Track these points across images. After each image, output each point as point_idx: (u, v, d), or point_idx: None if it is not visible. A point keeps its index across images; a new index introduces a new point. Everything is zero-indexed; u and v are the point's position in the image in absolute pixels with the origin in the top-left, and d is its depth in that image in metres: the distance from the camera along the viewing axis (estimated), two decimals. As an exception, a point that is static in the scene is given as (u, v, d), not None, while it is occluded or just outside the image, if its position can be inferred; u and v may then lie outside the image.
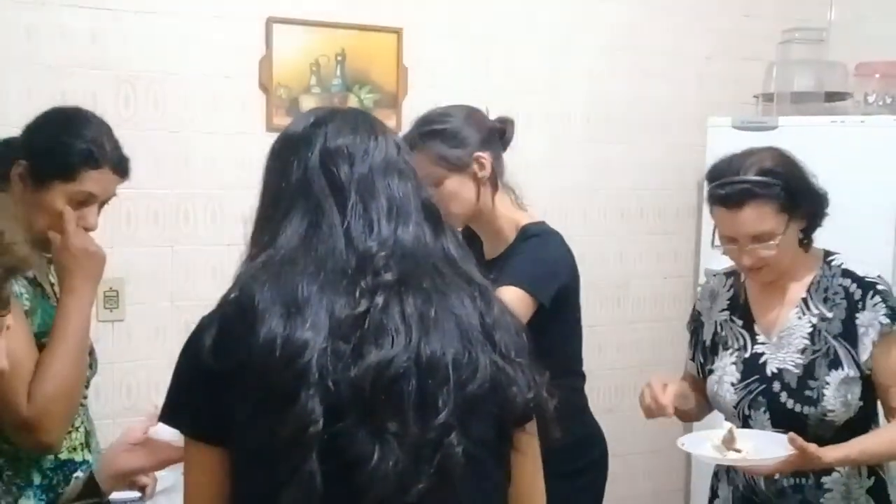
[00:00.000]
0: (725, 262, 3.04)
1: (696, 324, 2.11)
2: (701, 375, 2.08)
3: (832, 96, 3.13)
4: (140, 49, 2.66)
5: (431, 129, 1.96)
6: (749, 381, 1.93)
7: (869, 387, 1.87)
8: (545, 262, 1.92)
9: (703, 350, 2.07)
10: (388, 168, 1.18)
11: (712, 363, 2.02)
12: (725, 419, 1.99)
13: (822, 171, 1.95)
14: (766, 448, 1.77)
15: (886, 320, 1.85)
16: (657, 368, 3.47)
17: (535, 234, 1.96)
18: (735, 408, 1.94)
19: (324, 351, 1.06)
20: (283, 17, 2.80)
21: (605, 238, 3.37)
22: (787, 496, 1.91)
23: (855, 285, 1.88)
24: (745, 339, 1.97)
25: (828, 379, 1.86)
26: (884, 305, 1.85)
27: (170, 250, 2.76)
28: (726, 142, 3.07)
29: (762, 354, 1.94)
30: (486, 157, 1.94)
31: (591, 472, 2.07)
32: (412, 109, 2.73)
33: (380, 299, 1.09)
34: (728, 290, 2.05)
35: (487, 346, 1.12)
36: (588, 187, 3.33)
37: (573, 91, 3.27)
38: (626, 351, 3.45)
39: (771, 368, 1.92)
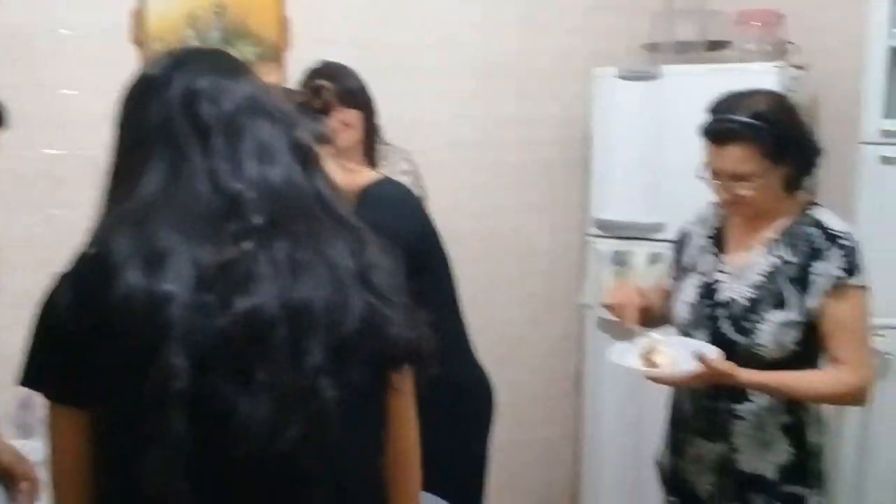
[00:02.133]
0: (614, 212, 3.15)
1: (679, 244, 2.18)
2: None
3: (714, 45, 3.19)
4: (7, 3, 2.50)
5: None
6: (701, 303, 2.01)
7: (811, 334, 1.91)
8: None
9: (681, 268, 2.13)
10: (255, 108, 1.13)
11: (683, 280, 2.09)
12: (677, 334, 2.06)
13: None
14: (684, 361, 1.85)
15: (840, 273, 1.88)
16: (550, 319, 3.54)
17: (368, 198, 1.91)
18: (684, 326, 2.03)
19: (187, 303, 1.01)
20: (156, -32, 2.67)
21: (496, 192, 3.37)
22: (702, 418, 2.01)
23: (821, 235, 1.92)
24: (711, 266, 2.04)
25: (768, 316, 1.91)
26: (842, 258, 1.89)
27: (43, 215, 2.63)
28: (612, 92, 3.14)
29: (720, 282, 2.00)
30: None
31: (476, 418, 2.07)
32: (297, 63, 2.67)
33: (248, 245, 1.04)
34: (714, 219, 2.10)
35: (362, 288, 1.10)
36: (479, 141, 3.31)
37: (462, 44, 3.24)
38: (519, 302, 3.48)
39: (722, 296, 1.98)
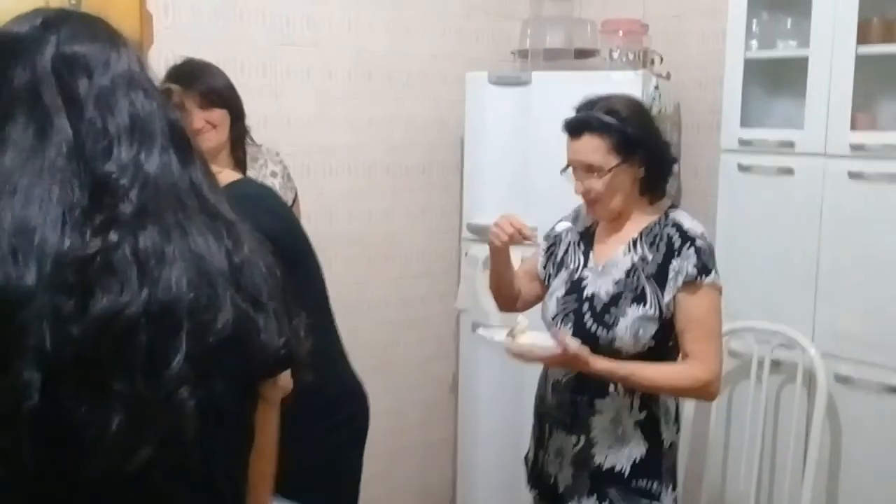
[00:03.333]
0: (486, 216, 3.14)
1: (551, 241, 2.24)
2: (546, 283, 2.22)
3: (582, 53, 3.25)
4: None
5: None
6: (568, 297, 2.09)
7: (669, 331, 2.00)
8: None
9: (555, 262, 2.20)
10: (132, 82, 1.01)
11: (555, 276, 2.17)
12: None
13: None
14: (546, 343, 1.95)
15: (693, 271, 1.97)
16: (426, 324, 3.53)
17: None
18: (553, 319, 2.10)
19: (44, 305, 0.90)
20: (3, -45, 2.50)
21: (371, 195, 3.33)
22: (564, 411, 2.08)
23: (678, 235, 2.00)
24: (580, 263, 2.12)
25: (627, 310, 1.99)
26: (695, 258, 1.97)
27: None
28: (483, 97, 3.15)
29: (586, 278, 2.09)
30: None
31: (349, 427, 2.01)
32: (158, 61, 2.55)
33: (114, 236, 0.94)
34: (587, 218, 2.17)
35: (232, 289, 1.00)
36: (353, 144, 3.27)
37: (335, 45, 3.18)
38: (395, 307, 3.45)
39: (587, 291, 2.07)
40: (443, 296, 3.49)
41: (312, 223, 2.84)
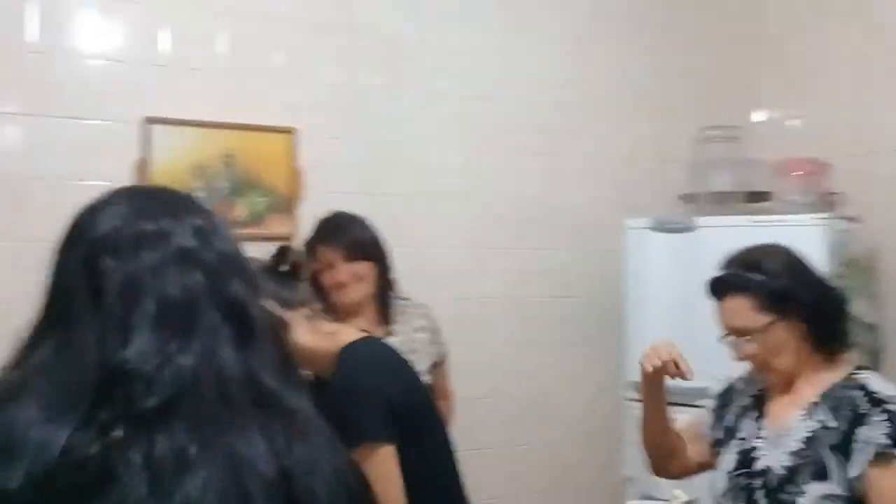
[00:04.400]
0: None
1: (722, 397, 2.03)
2: (715, 447, 1.98)
3: (754, 196, 3.01)
4: (10, 154, 2.42)
5: None
6: (739, 472, 1.85)
7: None
8: (345, 396, 1.66)
9: (724, 426, 1.98)
10: (170, 260, 0.91)
11: (725, 445, 1.94)
12: None
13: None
14: None
15: (886, 440, 1.68)
16: (589, 491, 3.22)
17: (341, 359, 1.70)
18: (722, 497, 1.87)
19: None
20: (163, 118, 2.57)
21: (524, 351, 3.16)
22: None
23: (865, 399, 1.74)
24: (751, 431, 1.89)
25: (807, 488, 1.72)
26: (887, 425, 1.69)
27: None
28: (645, 244, 2.93)
29: (758, 449, 1.85)
30: None
31: None
32: (311, 214, 2.53)
33: (119, 433, 0.80)
34: (760, 381, 1.96)
35: (277, 498, 0.84)
36: (505, 296, 3.12)
37: (488, 194, 3.11)
38: (552, 472, 3.19)
39: (760, 464, 1.82)
40: (606, 462, 3.18)
41: (462, 380, 2.68)
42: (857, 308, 2.71)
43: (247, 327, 0.91)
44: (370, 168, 2.89)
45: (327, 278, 2.36)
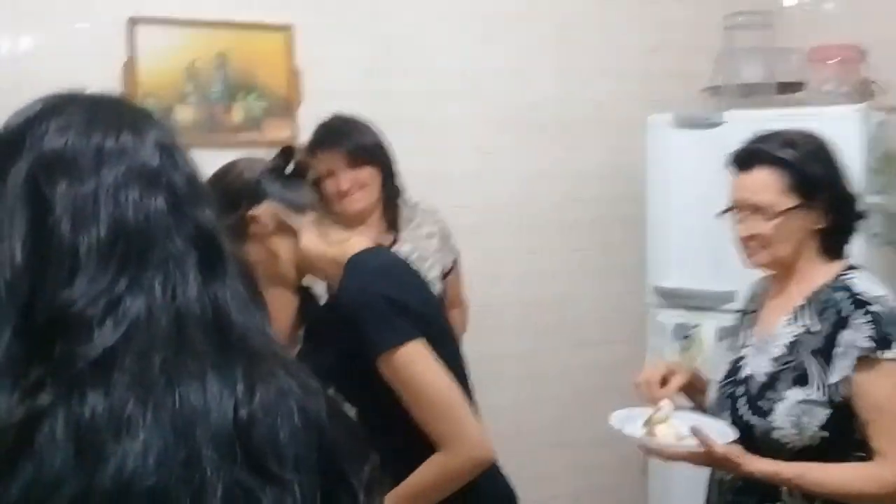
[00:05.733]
0: (675, 279, 2.77)
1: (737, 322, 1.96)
2: None
3: (785, 87, 2.84)
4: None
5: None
6: (726, 381, 1.79)
7: (842, 418, 1.62)
8: (358, 309, 1.57)
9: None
10: (131, 180, 0.78)
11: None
12: None
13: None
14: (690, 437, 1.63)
15: (868, 343, 1.59)
16: (608, 395, 3.14)
17: (347, 269, 1.62)
18: (714, 407, 1.80)
19: None
20: (149, 17, 2.41)
21: (541, 255, 3.04)
22: None
23: (849, 300, 1.65)
24: (743, 340, 1.82)
25: (786, 394, 1.65)
26: (870, 327, 1.60)
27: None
28: (668, 141, 2.77)
29: (745, 357, 1.78)
30: (258, 211, 1.60)
31: None
32: (311, 118, 2.40)
33: (46, 399, 0.69)
34: (761, 292, 1.88)
35: (234, 457, 0.73)
36: (519, 199, 3.00)
37: (498, 92, 2.94)
38: (570, 379, 3.11)
39: (744, 372, 1.75)
40: (627, 365, 3.08)
41: (475, 286, 2.57)
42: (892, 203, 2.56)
43: (215, 258, 0.80)
44: (372, 67, 2.73)
45: (329, 186, 2.23)
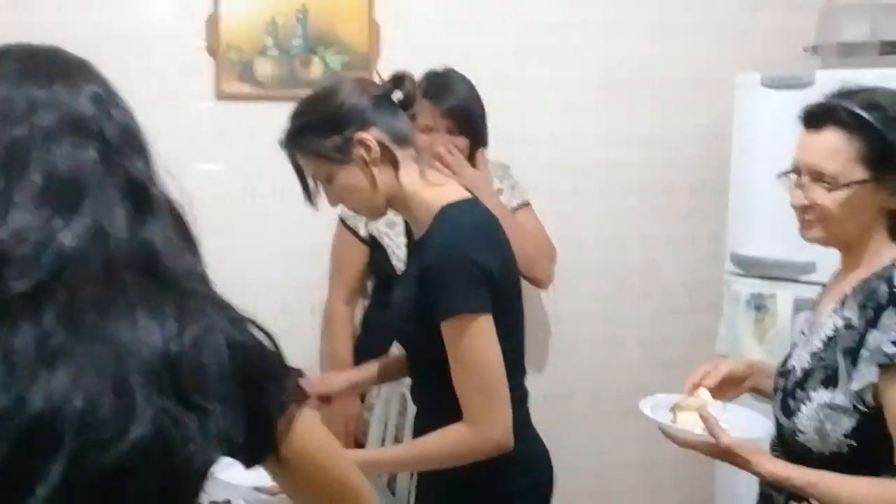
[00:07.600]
0: (754, 247, 2.63)
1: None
2: None
3: (891, 46, 2.62)
4: (74, 9, 2.41)
5: (298, 124, 1.63)
6: (780, 371, 1.63)
7: (872, 427, 1.43)
8: (443, 265, 1.58)
9: None
10: (63, 130, 0.82)
11: None
12: None
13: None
14: (734, 424, 1.57)
15: (892, 349, 1.38)
16: (687, 365, 3.05)
17: (439, 219, 1.61)
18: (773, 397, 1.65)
19: None
20: (234, -29, 2.49)
21: (625, 220, 2.98)
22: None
23: (885, 294, 1.42)
24: (802, 329, 1.65)
25: (813, 395, 1.49)
26: None
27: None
28: (755, 103, 2.64)
29: (797, 346, 1.61)
30: (367, 136, 1.58)
31: (532, 495, 1.76)
32: (389, 73, 2.41)
33: None
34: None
35: (162, 389, 0.77)
36: (603, 162, 2.92)
37: (585, 52, 2.86)
38: (652, 347, 3.04)
39: (789, 364, 1.60)
40: (708, 335, 2.99)
41: (558, 249, 2.54)
42: None
43: (146, 206, 0.84)
44: (454, 21, 2.71)
45: (422, 139, 2.23)
